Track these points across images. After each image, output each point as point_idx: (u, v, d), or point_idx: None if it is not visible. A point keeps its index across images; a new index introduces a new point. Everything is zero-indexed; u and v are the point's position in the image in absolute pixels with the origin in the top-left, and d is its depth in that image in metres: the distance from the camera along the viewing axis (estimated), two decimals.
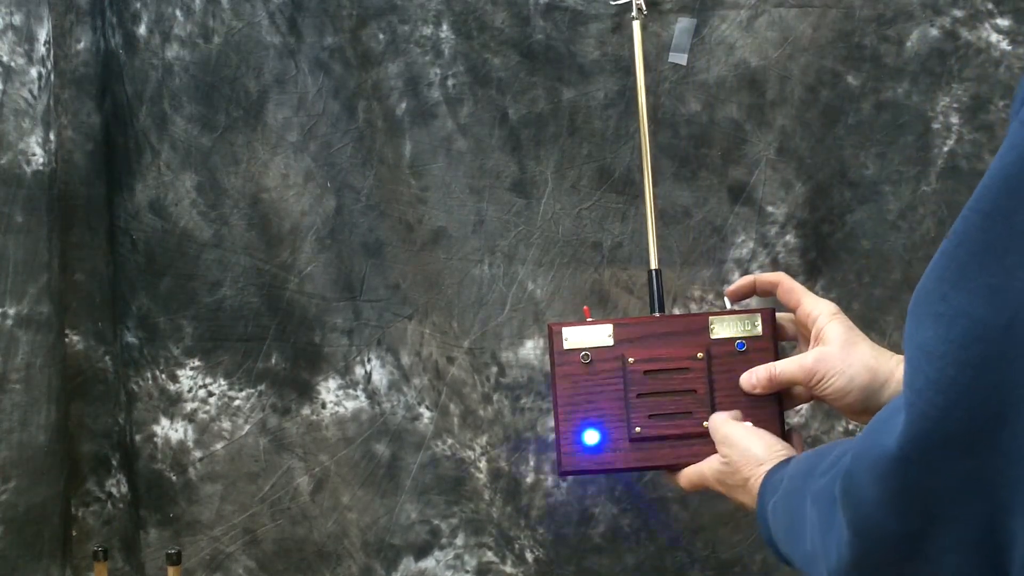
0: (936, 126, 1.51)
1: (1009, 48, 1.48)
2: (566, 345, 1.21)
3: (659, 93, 1.54)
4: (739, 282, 1.22)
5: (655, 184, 1.55)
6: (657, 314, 1.26)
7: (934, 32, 1.50)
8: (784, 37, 1.52)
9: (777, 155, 1.54)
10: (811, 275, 1.54)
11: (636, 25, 1.27)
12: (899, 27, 1.50)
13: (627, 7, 1.33)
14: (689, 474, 1.17)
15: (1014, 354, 0.61)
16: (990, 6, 1.48)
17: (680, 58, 1.52)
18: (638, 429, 1.18)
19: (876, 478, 0.68)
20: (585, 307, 1.32)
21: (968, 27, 1.49)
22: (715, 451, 1.15)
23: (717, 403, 1.18)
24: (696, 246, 1.56)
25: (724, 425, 1.13)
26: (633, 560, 1.60)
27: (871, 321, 1.53)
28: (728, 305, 1.22)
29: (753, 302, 1.33)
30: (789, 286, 1.17)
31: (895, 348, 1.51)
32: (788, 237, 1.55)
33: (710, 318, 1.20)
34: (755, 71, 1.54)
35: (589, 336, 1.21)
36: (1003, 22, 1.48)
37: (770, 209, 1.55)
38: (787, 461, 1.00)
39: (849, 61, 1.52)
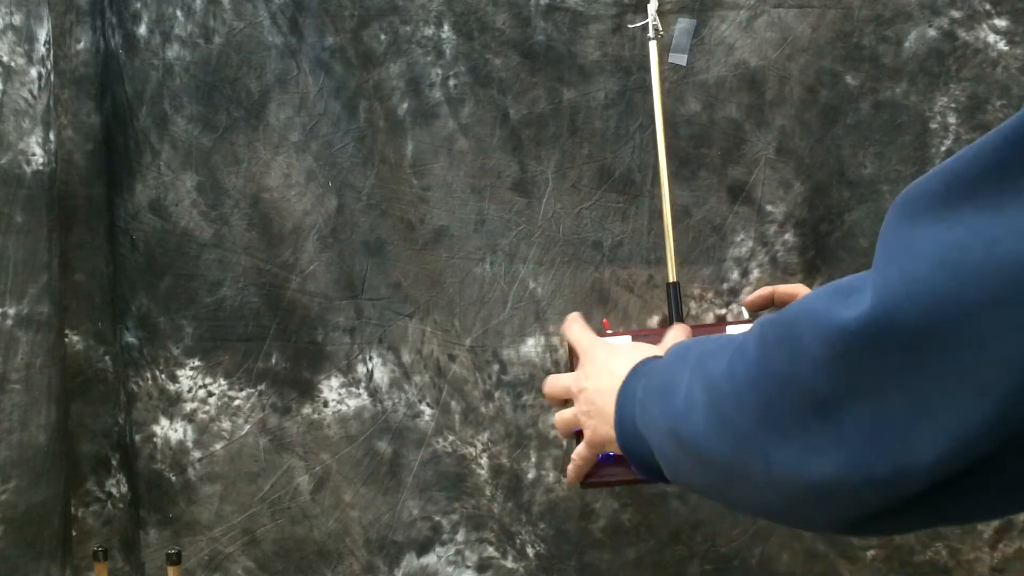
0: (934, 126, 1.53)
1: (1007, 48, 1.50)
2: None
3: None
4: (757, 292, 1.23)
5: (657, 185, 1.57)
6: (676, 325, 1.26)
7: (932, 32, 1.52)
8: (783, 37, 1.54)
9: (776, 155, 1.56)
10: (810, 274, 1.56)
11: (653, 45, 1.28)
12: (897, 27, 1.52)
13: (644, 27, 1.34)
14: (562, 416, 1.19)
15: (989, 270, 0.62)
16: (988, 7, 1.50)
17: (680, 59, 1.54)
18: None
19: (822, 340, 0.70)
20: (604, 319, 1.32)
21: (966, 28, 1.51)
22: None
23: None
24: (696, 245, 1.58)
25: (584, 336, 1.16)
26: (633, 554, 1.62)
27: None
28: (746, 315, 1.23)
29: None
30: None
31: None
32: (787, 236, 1.56)
33: (728, 328, 1.20)
34: (754, 71, 1.55)
35: None
36: (1001, 23, 1.50)
37: (769, 208, 1.57)
38: (654, 357, 1.02)
39: (848, 61, 1.54)
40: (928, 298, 0.65)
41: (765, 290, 1.24)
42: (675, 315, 1.26)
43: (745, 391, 0.77)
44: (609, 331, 1.23)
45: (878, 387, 0.68)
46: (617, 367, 1.06)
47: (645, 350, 1.08)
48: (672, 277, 1.27)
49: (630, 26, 1.51)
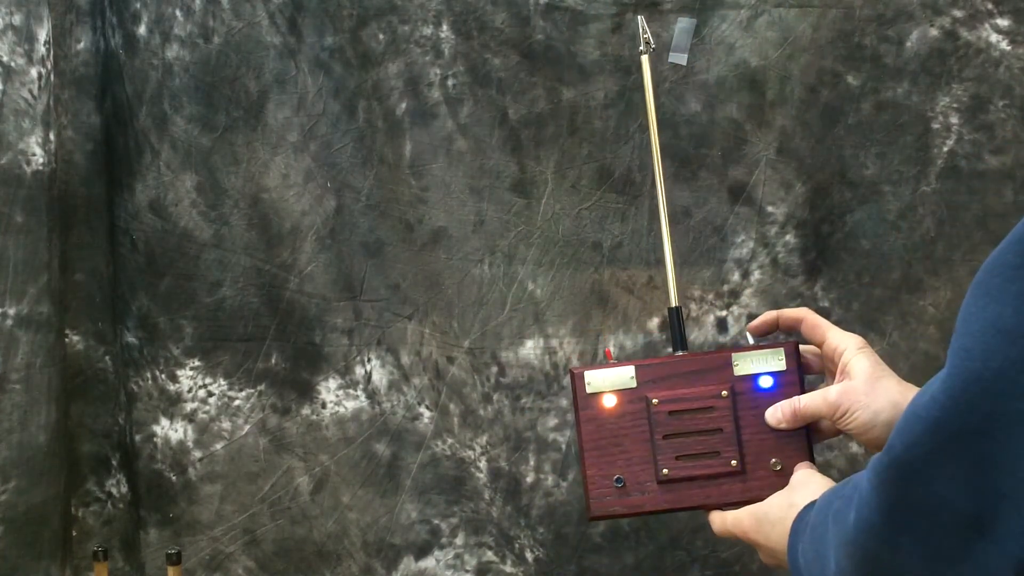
0: (936, 126, 1.51)
1: (1009, 48, 1.48)
2: (589, 389, 1.19)
3: (659, 93, 1.54)
4: (762, 317, 1.21)
5: (656, 186, 1.55)
6: (679, 352, 1.25)
7: (934, 32, 1.50)
8: (784, 37, 1.52)
9: (777, 155, 1.54)
10: (811, 275, 1.55)
11: (645, 60, 1.26)
12: (899, 27, 1.51)
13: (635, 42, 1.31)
14: (723, 519, 1.16)
15: None
16: (990, 6, 1.48)
17: (680, 58, 1.52)
18: (665, 471, 1.16)
19: (917, 435, 0.70)
20: (607, 349, 1.30)
21: (968, 27, 1.49)
22: (748, 487, 1.15)
23: (745, 441, 1.16)
24: (696, 246, 1.56)
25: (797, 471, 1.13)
26: (632, 559, 1.60)
27: (871, 321, 1.53)
28: (751, 340, 1.21)
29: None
30: (813, 322, 1.16)
31: (894, 348, 1.52)
32: (788, 237, 1.55)
33: (733, 355, 1.18)
34: (755, 71, 1.54)
35: (612, 378, 1.19)
36: (1003, 22, 1.48)
37: (770, 209, 1.55)
38: (814, 503, 0.99)
39: (849, 61, 1.52)
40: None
41: (769, 315, 1.21)
42: (678, 342, 1.24)
43: (891, 537, 0.74)
44: (612, 360, 1.21)
45: (1010, 474, 0.67)
46: (782, 523, 1.04)
47: (791, 507, 1.06)
48: (674, 302, 1.25)
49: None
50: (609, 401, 1.18)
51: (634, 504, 1.18)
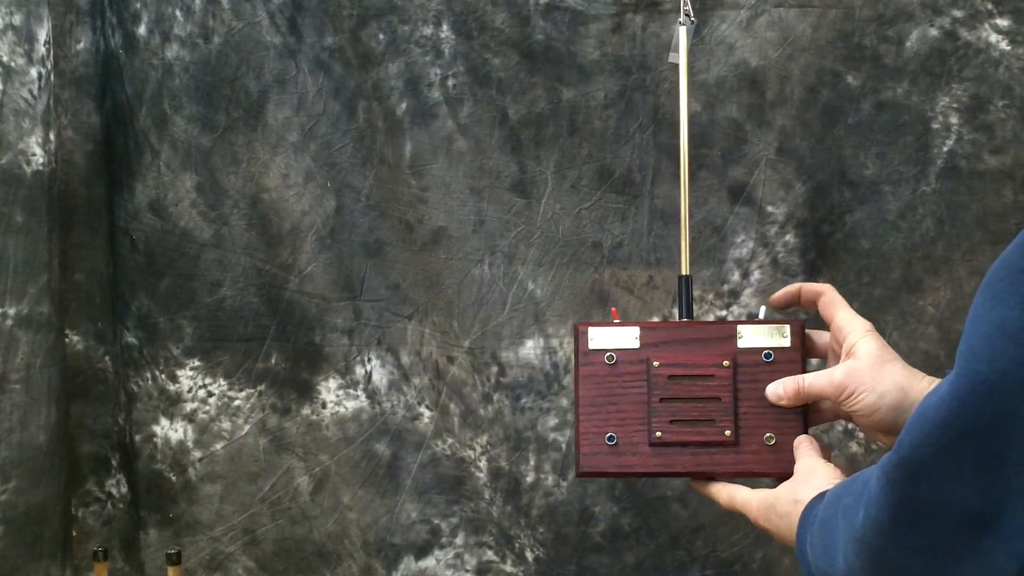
0: (936, 126, 1.51)
1: (1008, 48, 1.48)
2: (591, 345, 1.19)
3: (659, 93, 1.55)
4: (785, 289, 1.20)
5: (656, 184, 1.56)
6: (685, 319, 1.25)
7: (934, 32, 1.50)
8: (784, 37, 1.52)
9: (777, 155, 1.54)
10: (811, 275, 1.55)
11: (682, 31, 1.26)
12: (899, 27, 1.51)
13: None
14: (732, 496, 1.15)
15: None
16: (990, 6, 1.48)
17: (680, 58, 1.52)
18: (659, 434, 1.16)
19: (925, 435, 0.70)
20: (613, 308, 1.30)
21: (968, 27, 1.49)
22: (739, 459, 1.14)
23: (741, 412, 1.16)
24: (696, 246, 1.56)
25: (799, 450, 1.12)
26: (633, 559, 1.60)
27: (871, 321, 1.53)
28: (762, 314, 1.20)
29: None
30: (830, 298, 1.15)
31: (894, 348, 1.52)
32: (788, 237, 1.55)
33: (738, 326, 1.18)
34: (755, 71, 1.54)
35: (615, 338, 1.19)
36: (1002, 22, 1.48)
37: (770, 209, 1.55)
38: (822, 495, 0.99)
39: (849, 61, 1.52)
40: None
41: (792, 288, 1.20)
42: (685, 309, 1.24)
43: (898, 535, 0.75)
44: (617, 320, 1.21)
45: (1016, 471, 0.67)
46: (788, 517, 1.03)
47: (796, 503, 1.05)
48: (684, 270, 1.25)
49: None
50: (610, 359, 1.18)
51: (624, 464, 1.18)
